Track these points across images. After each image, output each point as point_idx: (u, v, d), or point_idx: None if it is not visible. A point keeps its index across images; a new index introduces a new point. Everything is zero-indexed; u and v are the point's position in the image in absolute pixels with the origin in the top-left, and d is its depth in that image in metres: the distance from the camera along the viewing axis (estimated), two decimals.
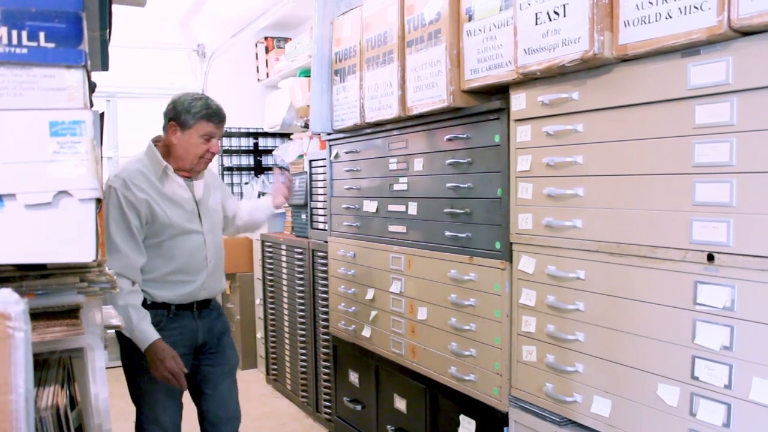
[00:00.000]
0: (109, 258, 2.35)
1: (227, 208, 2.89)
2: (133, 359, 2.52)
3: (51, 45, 1.22)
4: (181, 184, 2.56)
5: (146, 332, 2.39)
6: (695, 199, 1.66)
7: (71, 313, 1.37)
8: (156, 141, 2.61)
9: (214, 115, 2.53)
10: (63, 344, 1.39)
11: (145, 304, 2.48)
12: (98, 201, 1.21)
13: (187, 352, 2.59)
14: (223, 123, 2.59)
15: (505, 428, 2.35)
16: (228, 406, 2.73)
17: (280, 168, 3.17)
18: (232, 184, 6.10)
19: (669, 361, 1.74)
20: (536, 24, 2.02)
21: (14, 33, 1.19)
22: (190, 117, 2.49)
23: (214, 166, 6.02)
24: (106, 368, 1.40)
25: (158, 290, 2.52)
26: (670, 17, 1.66)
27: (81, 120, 1.19)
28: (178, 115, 2.51)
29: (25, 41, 1.21)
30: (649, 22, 1.72)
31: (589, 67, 1.92)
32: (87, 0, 1.30)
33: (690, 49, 1.65)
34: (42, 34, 1.22)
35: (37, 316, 1.31)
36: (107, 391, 1.38)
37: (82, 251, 1.17)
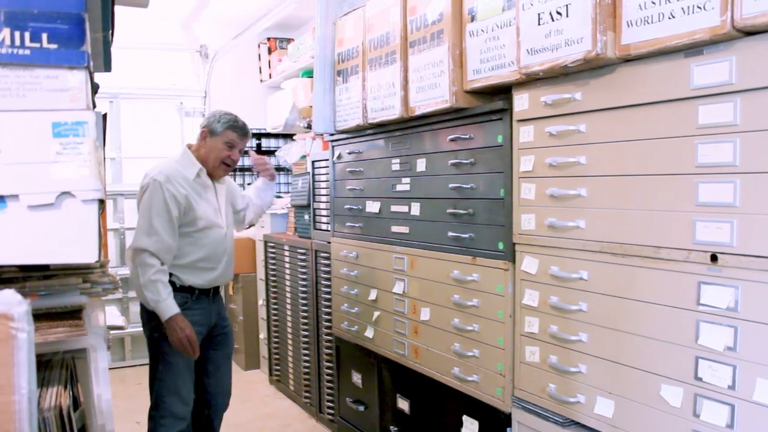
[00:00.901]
0: (147, 239, 2.77)
1: (238, 203, 3.30)
2: (161, 333, 2.83)
3: (54, 46, 1.22)
4: (209, 185, 3.00)
5: (171, 306, 2.76)
6: (698, 200, 1.65)
7: (74, 314, 1.37)
8: (189, 147, 3.04)
9: (240, 127, 3.01)
10: (66, 345, 1.39)
11: (174, 287, 2.85)
12: (101, 202, 1.21)
13: (204, 330, 3.01)
14: (246, 137, 3.05)
15: (508, 429, 2.35)
16: (225, 384, 3.20)
17: (246, 153, 3.50)
18: None
19: (672, 361, 1.73)
20: (539, 24, 2.02)
21: (17, 34, 1.20)
22: (220, 125, 2.97)
23: None
24: (109, 369, 1.40)
25: (187, 275, 2.92)
26: (673, 17, 1.65)
27: (84, 121, 1.19)
28: (210, 123, 2.99)
29: (27, 42, 1.21)
30: (652, 22, 1.71)
31: (591, 68, 1.92)
32: (89, 1, 1.30)
33: (693, 49, 1.64)
34: (45, 36, 1.22)
35: (39, 316, 1.32)
36: (110, 392, 1.38)
37: (85, 252, 1.17)
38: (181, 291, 2.90)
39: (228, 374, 3.21)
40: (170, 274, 2.87)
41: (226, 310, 3.25)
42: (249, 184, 6.03)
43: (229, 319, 3.25)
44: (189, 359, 2.89)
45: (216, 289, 3.09)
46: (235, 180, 6.06)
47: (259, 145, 6.14)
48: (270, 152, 6.15)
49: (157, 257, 2.78)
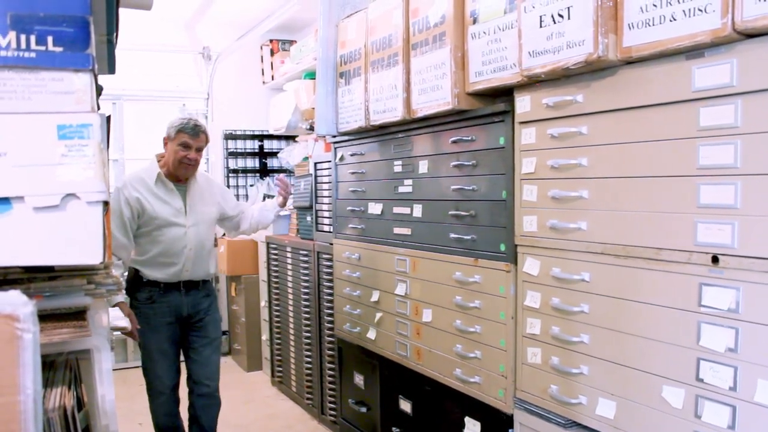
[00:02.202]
0: None
1: (228, 208, 3.54)
2: (141, 325, 3.15)
3: (59, 49, 1.23)
4: (170, 188, 3.25)
5: (117, 296, 3.01)
6: (700, 201, 1.66)
7: (78, 315, 1.38)
8: (160, 156, 3.32)
9: (190, 127, 3.21)
10: (70, 346, 1.40)
11: (141, 282, 3.23)
12: (105, 204, 1.22)
13: (173, 321, 3.30)
14: (198, 136, 3.23)
15: (509, 430, 2.35)
16: (208, 368, 3.41)
17: (279, 174, 3.84)
18: (237, 187, 6.12)
19: (674, 363, 1.74)
20: (540, 27, 2.03)
21: (23, 37, 1.20)
22: (173, 130, 3.22)
23: (219, 169, 6.05)
24: (113, 370, 1.42)
25: (149, 270, 3.24)
26: (675, 20, 1.66)
27: (89, 123, 1.20)
28: (167, 130, 3.27)
29: (33, 45, 1.22)
30: (653, 25, 1.72)
31: (593, 70, 1.92)
32: (94, 4, 1.31)
33: (694, 51, 1.65)
34: (50, 39, 1.23)
35: (44, 317, 1.32)
36: (114, 393, 1.39)
37: (90, 253, 1.18)
38: (148, 285, 3.24)
39: (211, 360, 3.43)
40: (137, 270, 3.24)
41: (210, 304, 3.45)
42: (251, 185, 6.05)
43: (214, 311, 3.47)
44: (161, 345, 3.27)
45: (190, 284, 3.33)
46: (237, 181, 6.09)
47: (261, 147, 6.15)
48: (272, 154, 6.16)
49: (113, 254, 2.98)
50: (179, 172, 3.24)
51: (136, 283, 3.25)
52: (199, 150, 3.25)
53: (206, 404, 3.42)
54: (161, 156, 3.31)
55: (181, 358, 3.43)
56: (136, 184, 3.20)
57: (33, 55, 1.21)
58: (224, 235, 5.35)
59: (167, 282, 3.26)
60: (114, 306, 2.99)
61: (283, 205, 3.73)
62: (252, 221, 3.66)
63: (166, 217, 3.21)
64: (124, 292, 3.16)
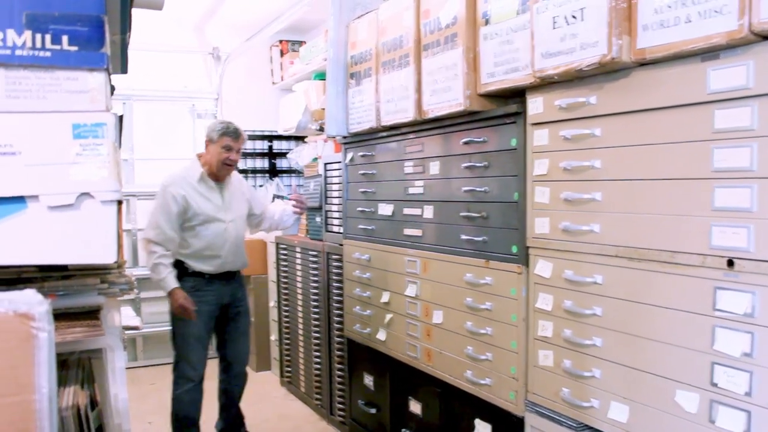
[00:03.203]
0: (151, 231, 3.43)
1: (255, 206, 3.83)
2: (175, 314, 3.48)
3: (74, 48, 1.23)
4: (211, 185, 3.56)
5: (170, 282, 3.39)
6: (714, 204, 1.64)
7: (91, 314, 1.38)
8: (199, 156, 3.62)
9: (232, 131, 3.52)
10: (82, 345, 1.40)
11: (187, 272, 3.50)
12: (119, 203, 1.22)
13: (215, 308, 3.60)
14: (239, 138, 3.53)
15: None
16: (239, 354, 3.80)
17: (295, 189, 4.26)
18: None
19: (688, 367, 1.72)
20: (554, 28, 2.02)
21: (38, 36, 1.21)
22: (215, 134, 3.51)
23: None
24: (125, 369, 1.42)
25: (195, 262, 3.51)
26: (690, 21, 1.65)
27: (103, 122, 1.20)
28: (209, 133, 3.56)
29: (48, 44, 1.22)
30: (668, 26, 1.71)
31: (606, 71, 1.91)
32: (108, 3, 1.31)
33: (709, 53, 1.64)
34: (65, 38, 1.23)
35: (57, 316, 1.32)
36: (127, 392, 1.39)
37: (104, 252, 1.18)
38: (193, 276, 3.51)
39: (243, 346, 3.81)
40: (183, 262, 3.49)
41: (244, 293, 3.79)
42: (261, 186, 6.05)
43: (246, 300, 3.81)
44: (199, 332, 3.51)
45: (230, 274, 3.64)
46: (247, 181, 6.09)
47: (270, 147, 6.15)
48: (281, 154, 6.16)
49: (161, 245, 3.40)
50: (221, 172, 3.54)
51: (180, 274, 3.48)
52: (239, 152, 3.56)
53: (238, 380, 3.81)
54: (201, 155, 3.59)
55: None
56: (181, 182, 3.49)
57: (48, 54, 1.21)
58: None
59: (212, 273, 3.54)
60: (169, 293, 3.38)
61: (296, 214, 4.05)
62: (272, 222, 3.94)
63: (209, 213, 3.51)
64: (172, 278, 3.43)
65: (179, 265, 3.49)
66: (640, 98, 1.83)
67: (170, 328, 3.61)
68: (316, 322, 4.34)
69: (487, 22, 2.39)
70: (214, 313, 3.61)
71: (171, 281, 3.41)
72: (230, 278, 3.66)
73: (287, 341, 4.95)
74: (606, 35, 1.83)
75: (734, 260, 1.60)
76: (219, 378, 3.82)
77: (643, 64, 1.82)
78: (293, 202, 3.98)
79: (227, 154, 3.50)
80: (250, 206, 3.80)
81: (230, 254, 3.59)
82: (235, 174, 3.72)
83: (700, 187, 1.68)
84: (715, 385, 1.65)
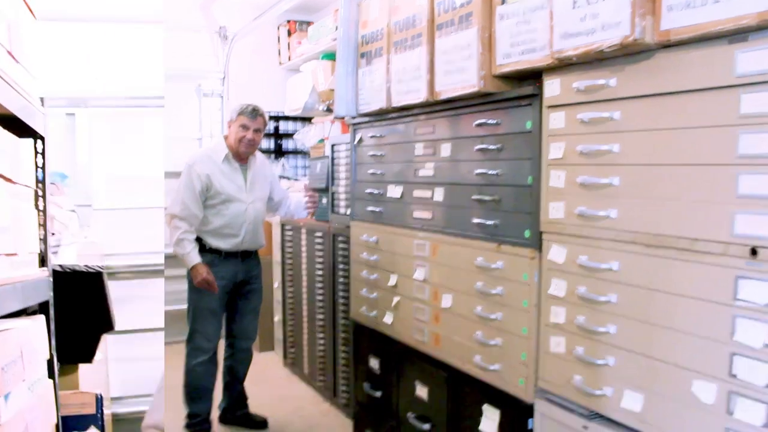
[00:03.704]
0: (176, 207, 3.60)
1: (274, 193, 4.00)
2: (192, 287, 3.67)
3: None
4: (235, 166, 3.72)
5: (194, 257, 3.59)
6: (739, 191, 1.60)
7: None
8: (226, 137, 3.77)
9: (249, 111, 3.66)
10: None
11: (204, 249, 3.66)
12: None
13: (230, 284, 3.75)
14: (256, 117, 3.67)
15: (529, 420, 2.31)
16: (247, 330, 3.95)
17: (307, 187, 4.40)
18: None
19: (705, 357, 1.69)
20: (573, 7, 1.97)
21: None
22: (234, 113, 3.70)
23: None
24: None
25: (213, 240, 3.68)
26: (718, 2, 1.59)
27: None
28: (229, 114, 3.76)
29: None
30: (694, 7, 1.65)
31: (628, 53, 1.86)
32: None
33: (738, 35, 1.59)
34: None
35: None
36: None
37: None
38: (210, 252, 3.67)
39: (251, 323, 3.95)
40: (201, 239, 3.65)
41: (259, 272, 3.95)
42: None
43: (260, 279, 3.97)
44: (214, 306, 3.68)
45: (246, 253, 3.79)
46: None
47: (277, 128, 6.10)
48: (288, 135, 6.11)
49: (185, 220, 3.58)
50: (240, 150, 3.67)
51: (198, 249, 3.62)
52: (258, 131, 3.67)
53: (243, 357, 3.95)
54: (226, 137, 3.75)
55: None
56: (206, 160, 3.66)
57: None
58: None
59: (228, 251, 3.68)
60: (191, 268, 3.56)
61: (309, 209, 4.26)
62: (288, 211, 4.14)
63: (230, 192, 3.65)
64: (196, 254, 3.60)
65: (197, 241, 3.64)
66: (663, 81, 1.78)
67: (188, 301, 3.76)
68: (321, 304, 4.32)
69: (503, 2, 2.33)
70: (228, 288, 3.74)
71: (194, 256, 3.58)
72: (246, 257, 3.79)
73: (291, 322, 4.94)
74: (629, 16, 1.78)
75: (758, 249, 1.56)
76: (225, 355, 3.91)
77: (667, 45, 1.77)
78: (307, 198, 4.16)
79: (244, 133, 3.63)
80: (272, 191, 3.95)
81: (248, 234, 3.72)
82: (260, 156, 3.87)
83: (723, 173, 1.64)
84: (734, 376, 1.62)
